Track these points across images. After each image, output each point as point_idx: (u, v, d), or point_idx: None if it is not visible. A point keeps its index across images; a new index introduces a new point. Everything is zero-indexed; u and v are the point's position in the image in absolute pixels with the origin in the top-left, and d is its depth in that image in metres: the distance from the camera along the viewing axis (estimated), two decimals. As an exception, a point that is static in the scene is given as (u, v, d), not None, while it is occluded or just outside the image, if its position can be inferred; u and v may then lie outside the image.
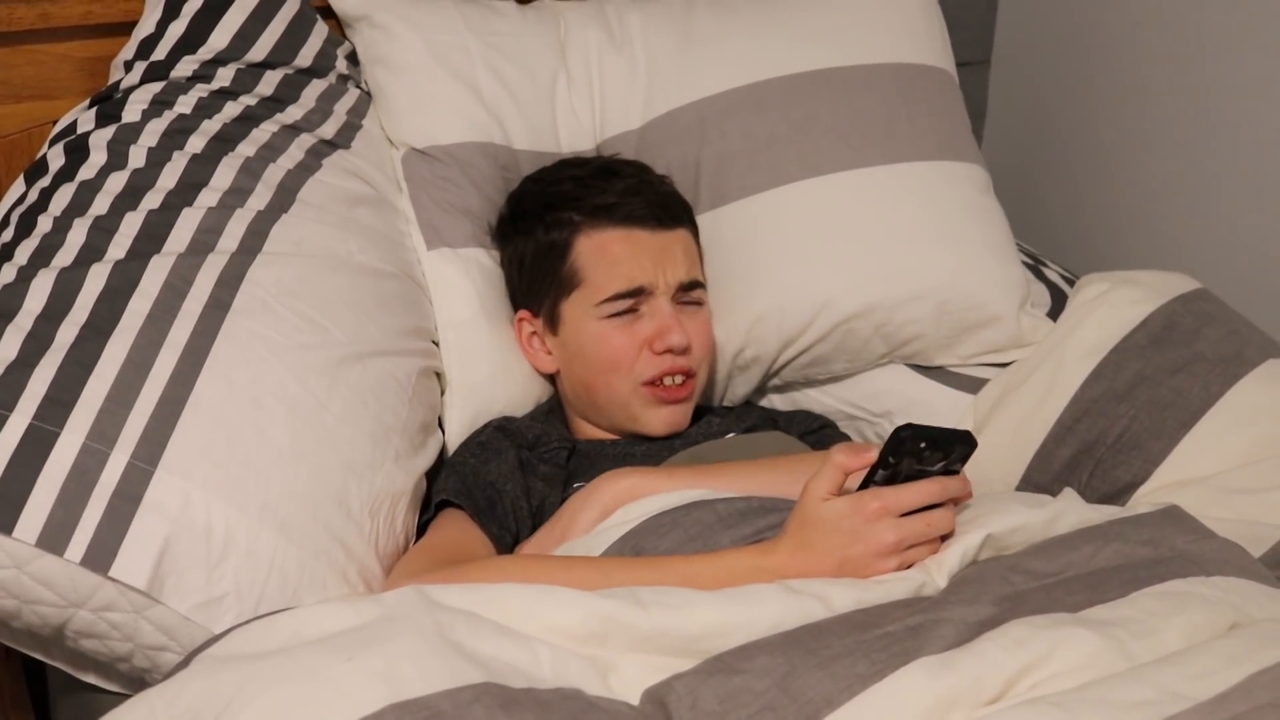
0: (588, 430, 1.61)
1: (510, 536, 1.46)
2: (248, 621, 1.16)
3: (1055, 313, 1.75)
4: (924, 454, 1.25)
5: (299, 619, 1.11)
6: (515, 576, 1.28)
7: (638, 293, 1.53)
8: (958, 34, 1.99)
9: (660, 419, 1.55)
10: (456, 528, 1.48)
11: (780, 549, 1.26)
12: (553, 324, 1.58)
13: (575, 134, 1.72)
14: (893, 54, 1.81)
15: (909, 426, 1.25)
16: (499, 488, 1.48)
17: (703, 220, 1.68)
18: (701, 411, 1.65)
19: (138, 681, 1.32)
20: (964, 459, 1.28)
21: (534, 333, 1.60)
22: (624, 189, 1.55)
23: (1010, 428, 1.63)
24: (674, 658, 1.13)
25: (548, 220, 1.57)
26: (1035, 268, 1.85)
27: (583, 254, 1.55)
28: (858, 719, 1.04)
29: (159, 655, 1.29)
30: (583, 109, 1.72)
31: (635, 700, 1.09)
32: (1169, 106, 1.94)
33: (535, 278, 1.59)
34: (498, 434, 1.56)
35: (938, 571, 1.22)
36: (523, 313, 1.62)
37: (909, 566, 1.24)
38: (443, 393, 1.62)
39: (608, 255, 1.55)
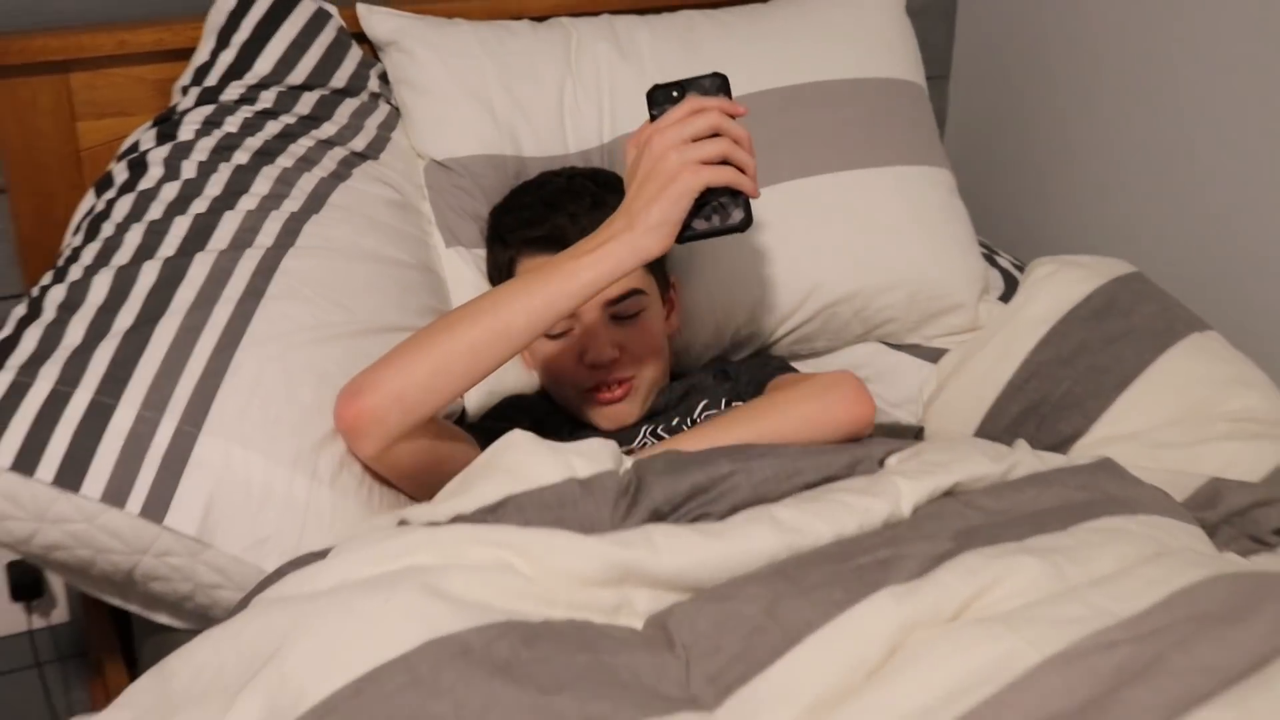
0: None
1: None
2: (296, 565, 1.15)
3: (1007, 296, 1.77)
4: (679, 99, 1.26)
5: (342, 562, 1.11)
6: (423, 333, 1.31)
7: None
8: (921, 52, 1.98)
9: (605, 417, 1.52)
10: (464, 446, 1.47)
11: (614, 219, 1.27)
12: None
13: (583, 136, 1.70)
14: (873, 69, 1.81)
15: (656, 85, 1.29)
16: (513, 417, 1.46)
17: None
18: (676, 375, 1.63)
19: (203, 617, 1.33)
20: (725, 89, 1.28)
21: None
22: (560, 219, 1.50)
23: (969, 386, 1.65)
24: (679, 593, 1.12)
25: (499, 244, 1.56)
26: (989, 256, 1.86)
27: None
28: (834, 639, 1.03)
29: (217, 593, 1.31)
30: (590, 113, 1.70)
31: (640, 627, 1.09)
32: (1105, 118, 1.94)
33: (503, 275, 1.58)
34: (511, 409, 1.56)
35: (905, 503, 1.21)
36: None
37: (725, 164, 1.23)
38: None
39: None
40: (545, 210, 1.51)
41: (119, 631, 1.68)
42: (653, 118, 1.25)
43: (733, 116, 1.26)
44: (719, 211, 1.26)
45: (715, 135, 1.24)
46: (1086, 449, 1.52)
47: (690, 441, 1.33)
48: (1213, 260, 1.81)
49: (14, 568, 1.81)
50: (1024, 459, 1.33)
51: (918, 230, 1.74)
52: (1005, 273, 1.83)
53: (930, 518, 1.20)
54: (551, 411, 1.57)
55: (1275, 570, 1.20)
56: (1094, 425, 1.54)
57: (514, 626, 1.02)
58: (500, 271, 1.56)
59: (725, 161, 1.24)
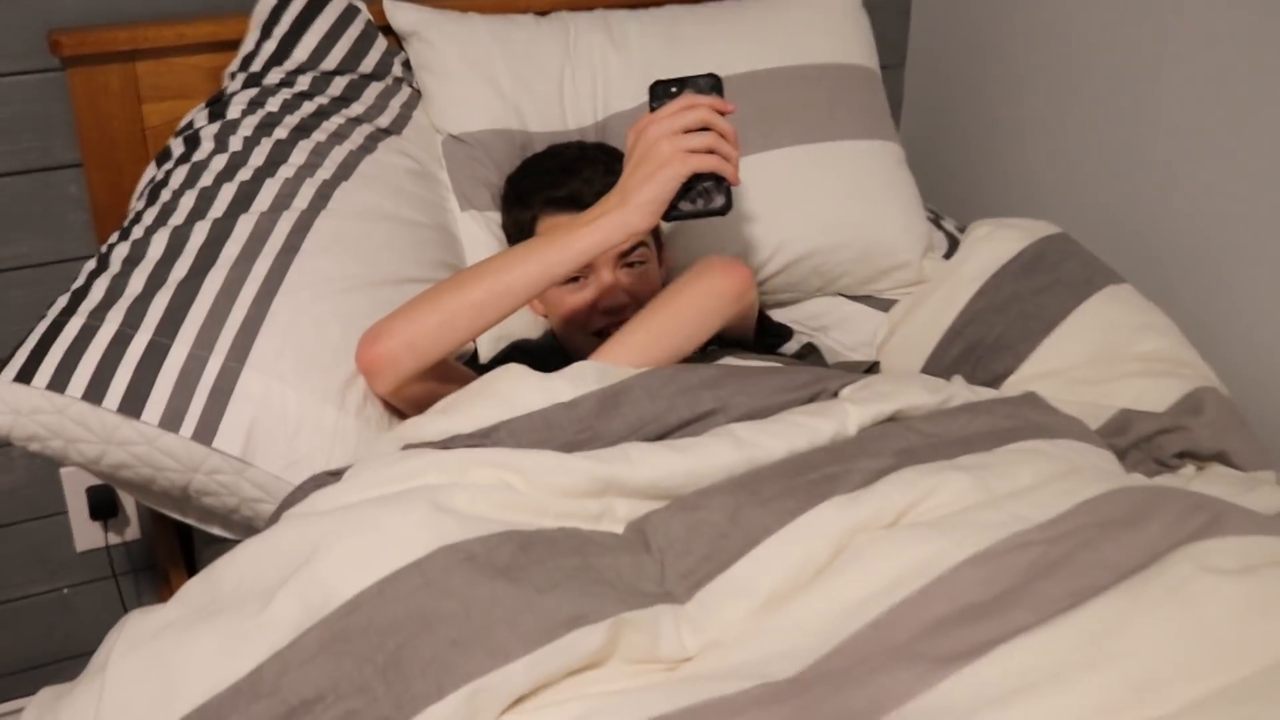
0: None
1: None
2: (317, 484, 1.16)
3: (950, 254, 1.76)
4: (676, 94, 1.25)
5: (362, 481, 1.11)
6: (435, 288, 1.30)
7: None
8: (878, 43, 1.97)
9: None
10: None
11: (609, 196, 1.26)
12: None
13: (580, 114, 1.69)
14: (832, 56, 1.80)
15: (658, 80, 1.28)
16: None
17: None
18: None
19: (248, 529, 1.35)
20: (717, 89, 1.26)
21: None
22: (576, 184, 1.50)
23: (915, 331, 1.64)
24: (653, 501, 1.13)
25: (519, 206, 1.55)
26: (936, 221, 1.86)
27: (541, 232, 1.52)
28: (787, 541, 1.05)
29: (259, 506, 1.32)
30: (586, 94, 1.70)
31: (620, 531, 1.10)
32: (1040, 101, 1.93)
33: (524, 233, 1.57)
34: (518, 352, 1.55)
35: (851, 423, 1.21)
36: None
37: (713, 154, 1.22)
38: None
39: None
40: (563, 175, 1.50)
41: (182, 546, 1.70)
42: (652, 109, 1.25)
43: (723, 114, 1.25)
44: (703, 196, 1.25)
45: (705, 129, 1.23)
46: (1015, 385, 1.51)
47: (617, 343, 1.34)
48: (1135, 222, 1.80)
49: (92, 491, 1.82)
50: (959, 391, 1.33)
51: (868, 196, 1.73)
52: (949, 235, 1.83)
53: (875, 438, 1.21)
54: (555, 354, 1.55)
55: (1170, 485, 1.20)
56: (1023, 364, 1.53)
57: (511, 535, 1.03)
58: (521, 230, 1.56)
59: (712, 152, 1.23)
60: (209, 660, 0.96)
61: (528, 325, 1.61)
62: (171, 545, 1.71)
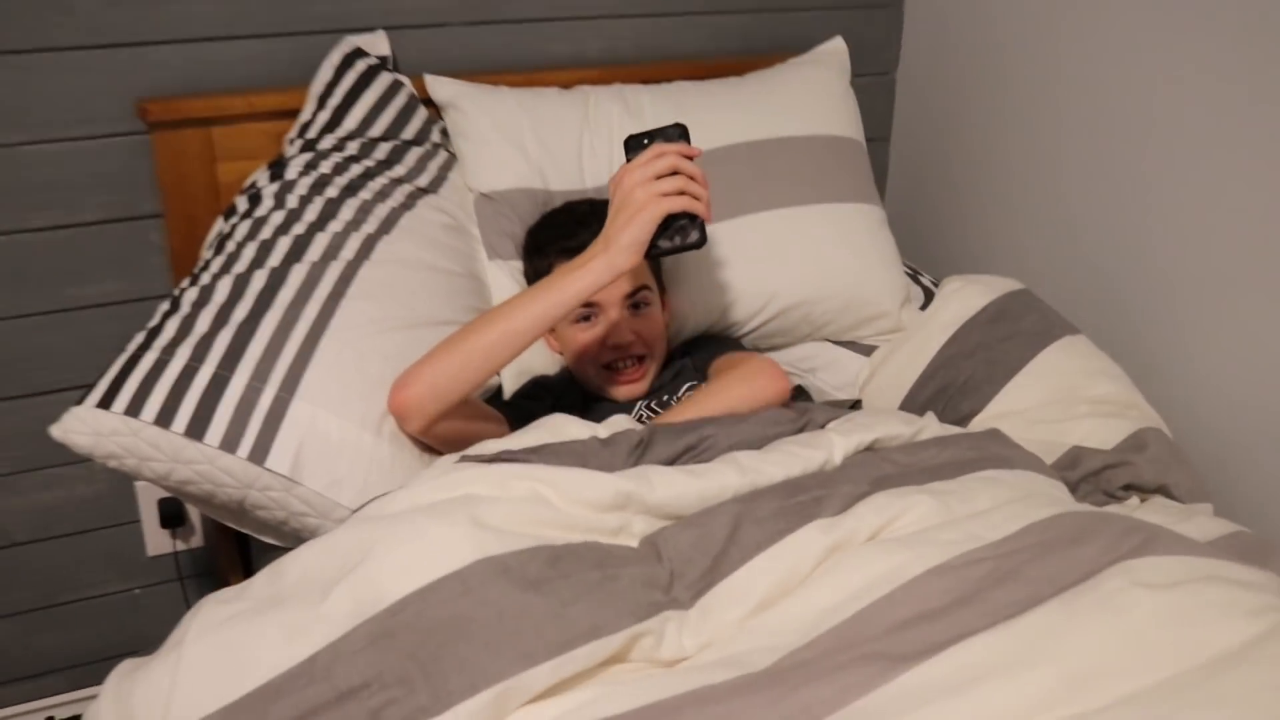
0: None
1: None
2: (382, 495, 1.16)
3: (925, 305, 1.76)
4: (648, 145, 1.25)
5: (413, 491, 1.12)
6: (453, 336, 1.30)
7: (591, 306, 1.48)
8: (867, 119, 1.98)
9: (620, 392, 1.51)
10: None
11: (596, 243, 1.27)
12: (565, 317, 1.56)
13: (597, 175, 1.69)
14: (822, 128, 1.80)
15: (631, 135, 1.28)
16: (534, 416, 1.44)
17: None
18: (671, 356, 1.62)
19: (297, 539, 1.33)
20: (684, 136, 1.27)
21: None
22: (585, 235, 1.45)
23: (893, 374, 1.65)
24: (665, 520, 1.14)
25: (538, 255, 1.56)
26: (915, 277, 1.86)
27: None
28: (777, 556, 1.07)
29: (305, 519, 1.33)
30: (602, 158, 1.69)
31: (636, 545, 1.11)
32: (1010, 173, 1.93)
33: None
34: (537, 386, 1.56)
35: (837, 453, 1.23)
36: None
37: (684, 195, 1.23)
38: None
39: None
40: (576, 227, 1.51)
41: (241, 554, 1.69)
42: (628, 160, 1.26)
43: (690, 158, 1.26)
44: (680, 232, 1.25)
45: (676, 173, 1.24)
46: (981, 423, 1.51)
47: (673, 414, 1.35)
48: (1090, 281, 1.80)
49: (163, 502, 1.83)
50: (930, 425, 1.34)
51: (852, 253, 1.73)
52: (926, 289, 1.83)
53: (855, 466, 1.22)
54: (570, 388, 1.56)
55: (1111, 512, 1.20)
56: (988, 405, 1.53)
57: (541, 550, 1.04)
58: (539, 275, 1.54)
59: (683, 193, 1.24)
60: (272, 646, 0.97)
61: (546, 362, 1.62)
62: (232, 553, 1.70)
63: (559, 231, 1.54)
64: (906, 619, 0.99)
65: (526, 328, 1.28)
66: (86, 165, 1.64)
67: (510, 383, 1.60)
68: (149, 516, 1.85)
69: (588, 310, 1.49)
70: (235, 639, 0.98)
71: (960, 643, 0.94)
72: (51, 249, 1.66)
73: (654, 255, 1.26)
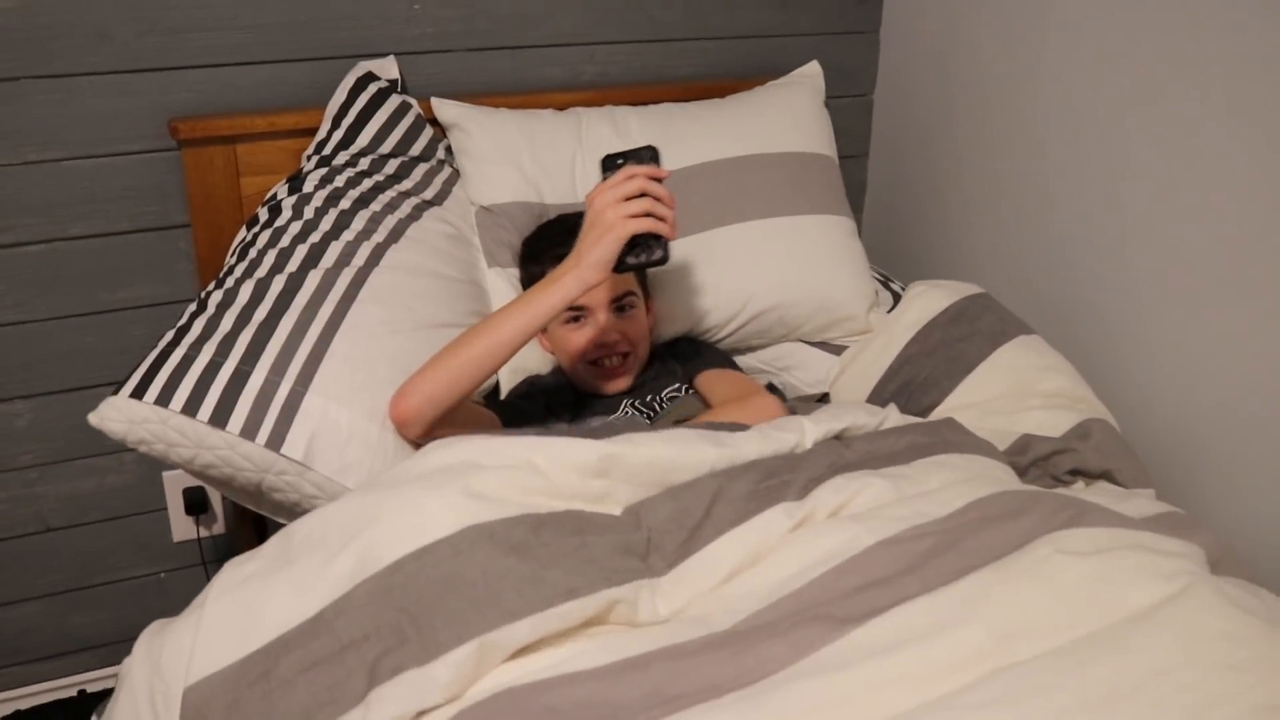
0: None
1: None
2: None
3: (894, 309, 1.75)
4: (622, 165, 1.26)
5: (415, 460, 1.15)
6: (445, 349, 1.32)
7: (580, 309, 1.53)
8: (845, 137, 2.02)
9: (608, 386, 1.55)
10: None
11: (568, 259, 1.29)
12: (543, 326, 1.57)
13: (589, 189, 1.58)
14: (797, 145, 1.82)
15: (606, 155, 1.29)
16: (527, 415, 1.50)
17: (675, 244, 1.59)
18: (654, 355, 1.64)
19: None
20: (655, 158, 1.27)
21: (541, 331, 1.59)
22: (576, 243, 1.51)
23: (860, 371, 1.67)
24: (648, 487, 1.17)
25: (533, 262, 1.59)
26: (885, 283, 1.88)
27: None
28: (746, 533, 1.11)
29: (316, 502, 1.35)
30: (594, 173, 1.71)
31: (619, 513, 1.14)
32: (976, 189, 1.94)
33: None
34: (532, 388, 1.58)
35: (808, 438, 1.27)
36: None
37: (652, 217, 1.24)
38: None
39: None
40: (567, 236, 1.49)
41: (260, 539, 1.66)
42: (604, 179, 1.28)
43: (659, 180, 1.27)
44: (645, 250, 1.27)
45: (645, 194, 1.26)
46: (940, 414, 1.54)
47: None
48: (1047, 285, 1.81)
49: (188, 491, 1.85)
50: (892, 416, 1.38)
51: (823, 262, 1.75)
52: (895, 294, 1.85)
53: (819, 453, 1.26)
54: (561, 385, 1.59)
55: (1048, 490, 1.25)
56: (947, 398, 1.56)
57: (526, 518, 1.07)
58: (534, 280, 1.55)
59: (651, 214, 1.26)
60: (284, 603, 1.02)
61: (540, 362, 1.66)
62: (251, 539, 1.72)
63: (552, 241, 1.57)
64: (856, 586, 1.03)
65: (510, 339, 1.31)
66: (121, 179, 1.67)
67: (506, 381, 1.63)
68: (175, 504, 1.87)
69: (577, 312, 1.52)
70: (250, 599, 1.03)
71: (900, 605, 0.98)
72: (88, 256, 1.69)
73: (622, 270, 1.28)
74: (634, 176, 1.27)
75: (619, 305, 1.55)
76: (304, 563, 1.05)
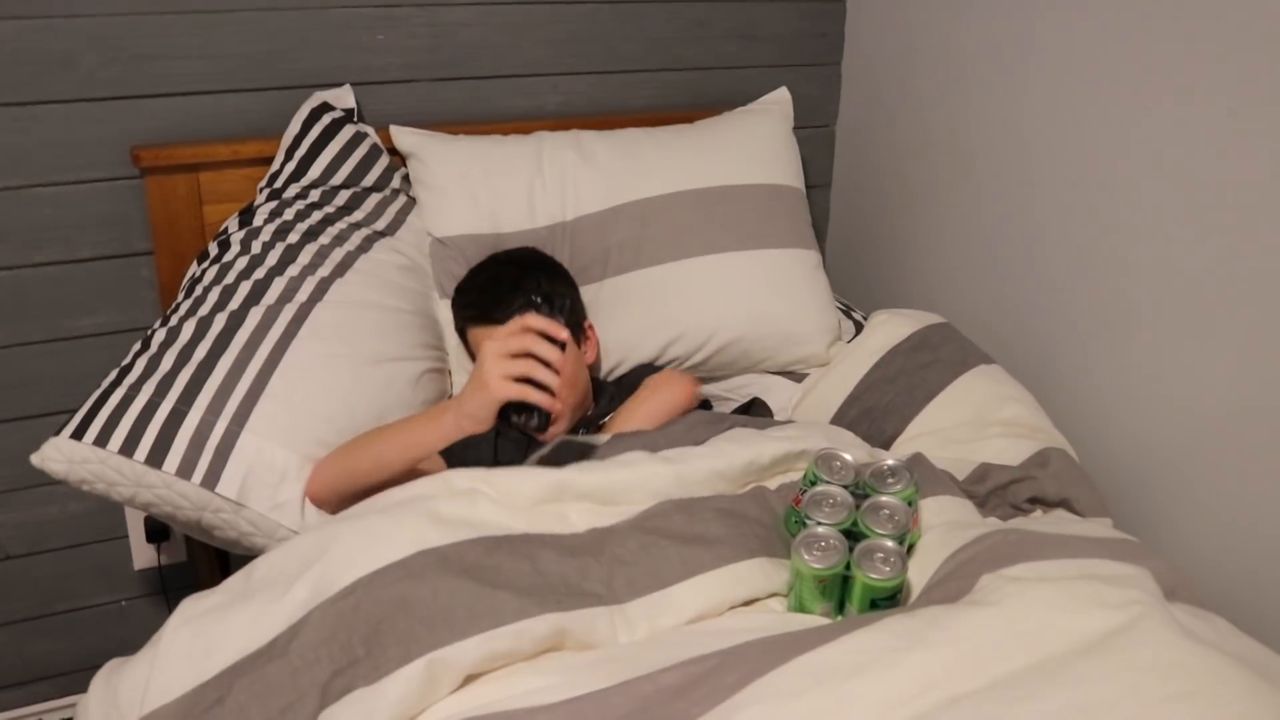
0: None
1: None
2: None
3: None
4: (536, 305, 1.23)
5: (371, 501, 1.16)
6: (355, 442, 1.34)
7: None
8: (809, 167, 2.02)
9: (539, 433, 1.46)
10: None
11: (460, 392, 1.26)
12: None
13: (550, 214, 1.71)
14: (764, 177, 1.81)
15: (531, 296, 1.25)
16: (474, 445, 1.42)
17: (642, 274, 1.69)
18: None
19: (255, 555, 1.31)
20: (563, 309, 1.24)
21: None
22: (487, 303, 1.51)
23: (822, 396, 1.66)
24: (601, 505, 1.17)
25: (457, 318, 1.58)
26: (848, 312, 1.89)
27: (472, 339, 1.55)
28: (716, 580, 1.10)
29: (252, 539, 1.37)
30: (554, 199, 1.70)
31: (579, 532, 1.13)
32: (938, 219, 1.95)
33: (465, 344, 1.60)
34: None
35: (765, 455, 1.27)
36: None
37: (535, 384, 1.18)
38: (451, 383, 1.62)
39: (481, 341, 1.43)
40: (479, 295, 1.54)
41: (221, 567, 1.73)
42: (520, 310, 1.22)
43: (557, 339, 1.20)
44: (525, 413, 1.21)
45: (530, 354, 1.19)
46: (901, 443, 1.54)
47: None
48: (1006, 315, 1.82)
49: (149, 519, 1.84)
50: (849, 440, 1.38)
51: (788, 295, 1.75)
52: (857, 323, 1.85)
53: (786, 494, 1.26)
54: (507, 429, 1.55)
55: (997, 527, 1.23)
56: (908, 426, 1.55)
57: (480, 541, 1.08)
58: (463, 335, 1.59)
59: (532, 378, 1.19)
60: (240, 631, 1.02)
61: None
62: (212, 566, 1.73)
63: (465, 299, 1.56)
64: (810, 627, 1.03)
65: (413, 451, 1.30)
66: (84, 206, 1.67)
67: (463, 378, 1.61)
68: (136, 531, 1.86)
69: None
70: (208, 628, 1.04)
71: (847, 635, 0.97)
72: (50, 283, 1.69)
73: (501, 427, 1.26)
74: (525, 334, 1.20)
75: None
76: (263, 594, 1.06)
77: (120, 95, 1.64)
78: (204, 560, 1.75)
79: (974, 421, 1.53)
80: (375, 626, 1.00)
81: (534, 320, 1.20)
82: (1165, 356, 1.55)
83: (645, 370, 1.69)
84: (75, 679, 1.91)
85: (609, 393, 1.62)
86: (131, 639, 1.92)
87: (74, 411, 1.38)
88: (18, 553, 1.81)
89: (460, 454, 1.39)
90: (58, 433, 1.35)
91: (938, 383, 1.58)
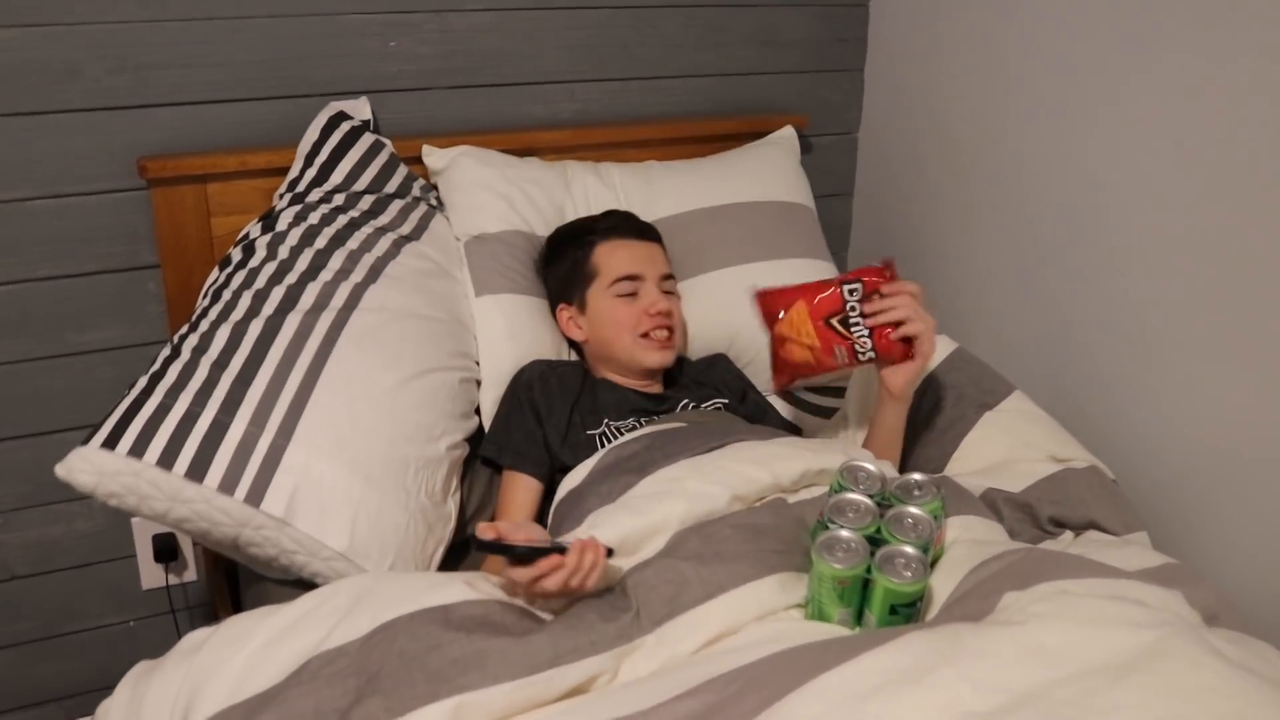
0: (603, 372, 1.65)
1: (546, 458, 1.53)
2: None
3: None
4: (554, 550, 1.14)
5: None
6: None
7: (635, 277, 1.60)
8: (832, 176, 2.05)
9: (654, 358, 1.60)
10: (509, 485, 1.53)
11: None
12: (582, 307, 1.63)
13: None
14: (775, 195, 1.92)
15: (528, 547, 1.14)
16: (526, 431, 1.53)
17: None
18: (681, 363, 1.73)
19: (286, 572, 1.38)
20: (560, 549, 1.14)
21: (570, 316, 1.65)
22: (619, 220, 1.66)
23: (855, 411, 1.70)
24: (622, 557, 1.20)
25: (577, 241, 1.65)
26: None
27: (599, 256, 1.63)
28: (738, 599, 1.12)
29: (294, 557, 1.35)
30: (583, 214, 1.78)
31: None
32: (962, 229, 1.97)
33: (570, 279, 1.65)
34: (537, 363, 1.62)
35: (785, 478, 1.29)
36: (561, 305, 1.67)
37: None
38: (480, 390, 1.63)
39: (614, 254, 1.63)
40: (610, 216, 1.68)
41: (231, 587, 1.73)
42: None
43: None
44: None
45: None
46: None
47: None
48: (1034, 330, 1.82)
49: (157, 538, 1.85)
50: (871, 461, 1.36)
51: None
52: None
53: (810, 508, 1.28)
54: (572, 372, 1.63)
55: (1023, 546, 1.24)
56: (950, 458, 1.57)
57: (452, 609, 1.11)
58: (576, 265, 1.64)
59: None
60: (271, 665, 1.06)
61: (511, 370, 1.65)
62: (221, 587, 1.75)
63: (596, 220, 1.68)
64: (831, 636, 1.06)
65: None
66: (89, 219, 1.68)
67: (493, 381, 1.64)
68: (144, 551, 1.87)
69: (632, 285, 1.61)
70: (255, 653, 1.07)
71: (870, 651, 0.99)
72: (55, 297, 1.70)
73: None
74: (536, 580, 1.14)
75: (666, 289, 1.65)
76: (307, 623, 1.10)
77: (126, 105, 1.66)
78: (214, 580, 1.77)
79: (1004, 459, 1.55)
80: (408, 663, 1.02)
81: (528, 572, 1.14)
82: (1209, 368, 1.55)
83: (728, 366, 1.78)
84: (83, 701, 1.91)
85: (702, 376, 1.73)
86: (140, 660, 1.90)
87: (80, 428, 1.39)
88: (24, 573, 1.82)
89: (532, 399, 1.55)
90: (85, 442, 1.32)
91: (964, 426, 1.59)
